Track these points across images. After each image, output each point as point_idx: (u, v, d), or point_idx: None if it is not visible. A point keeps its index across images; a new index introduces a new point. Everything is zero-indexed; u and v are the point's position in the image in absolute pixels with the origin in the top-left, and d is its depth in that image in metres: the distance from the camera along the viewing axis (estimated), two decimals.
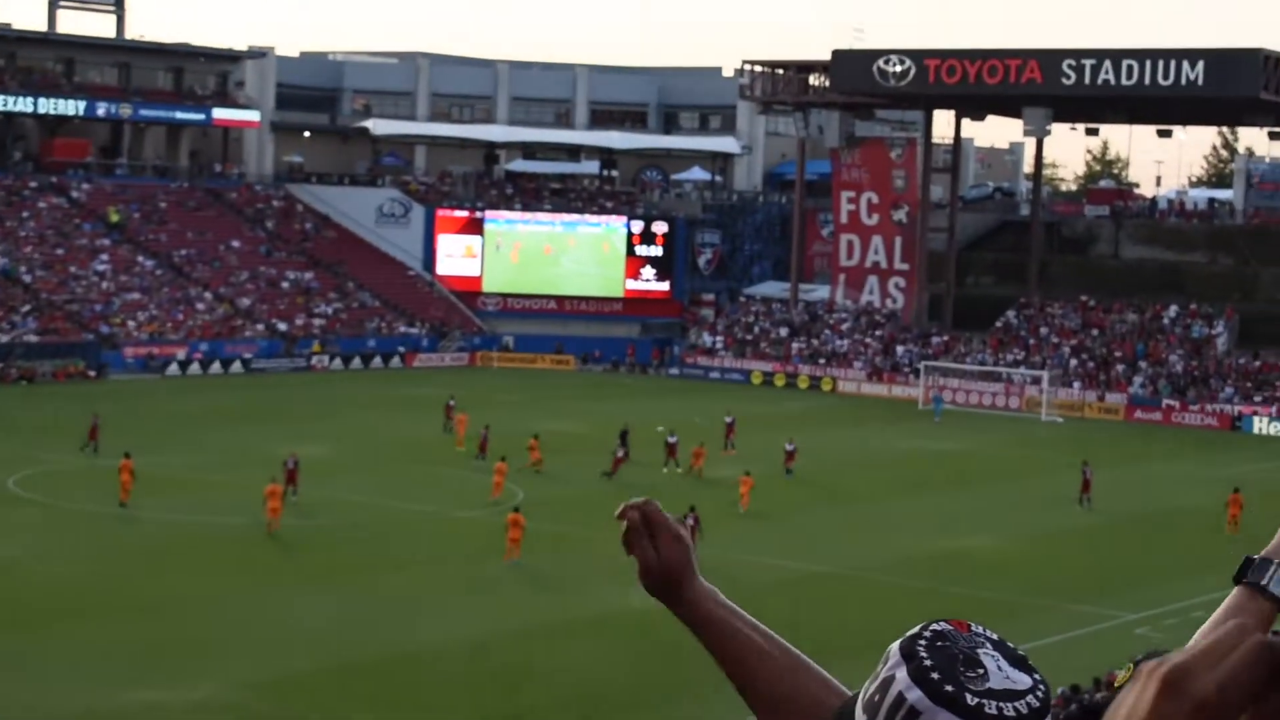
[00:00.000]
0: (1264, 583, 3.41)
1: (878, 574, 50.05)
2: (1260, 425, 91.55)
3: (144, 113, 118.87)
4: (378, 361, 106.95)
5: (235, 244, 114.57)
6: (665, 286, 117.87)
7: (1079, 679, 32.34)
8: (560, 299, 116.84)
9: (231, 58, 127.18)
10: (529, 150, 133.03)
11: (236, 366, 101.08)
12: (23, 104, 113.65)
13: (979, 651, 2.87)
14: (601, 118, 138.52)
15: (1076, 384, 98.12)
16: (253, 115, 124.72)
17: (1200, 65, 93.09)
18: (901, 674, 2.84)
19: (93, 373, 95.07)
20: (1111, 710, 2.25)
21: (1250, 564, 3.46)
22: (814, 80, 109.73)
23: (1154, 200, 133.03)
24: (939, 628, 2.92)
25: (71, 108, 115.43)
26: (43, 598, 43.64)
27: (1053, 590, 48.04)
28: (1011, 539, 56.50)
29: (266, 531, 52.13)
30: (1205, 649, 2.18)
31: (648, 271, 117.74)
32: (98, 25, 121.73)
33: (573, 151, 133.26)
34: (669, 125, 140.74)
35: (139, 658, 38.43)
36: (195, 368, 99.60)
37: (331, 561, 49.25)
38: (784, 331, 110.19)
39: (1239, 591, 3.49)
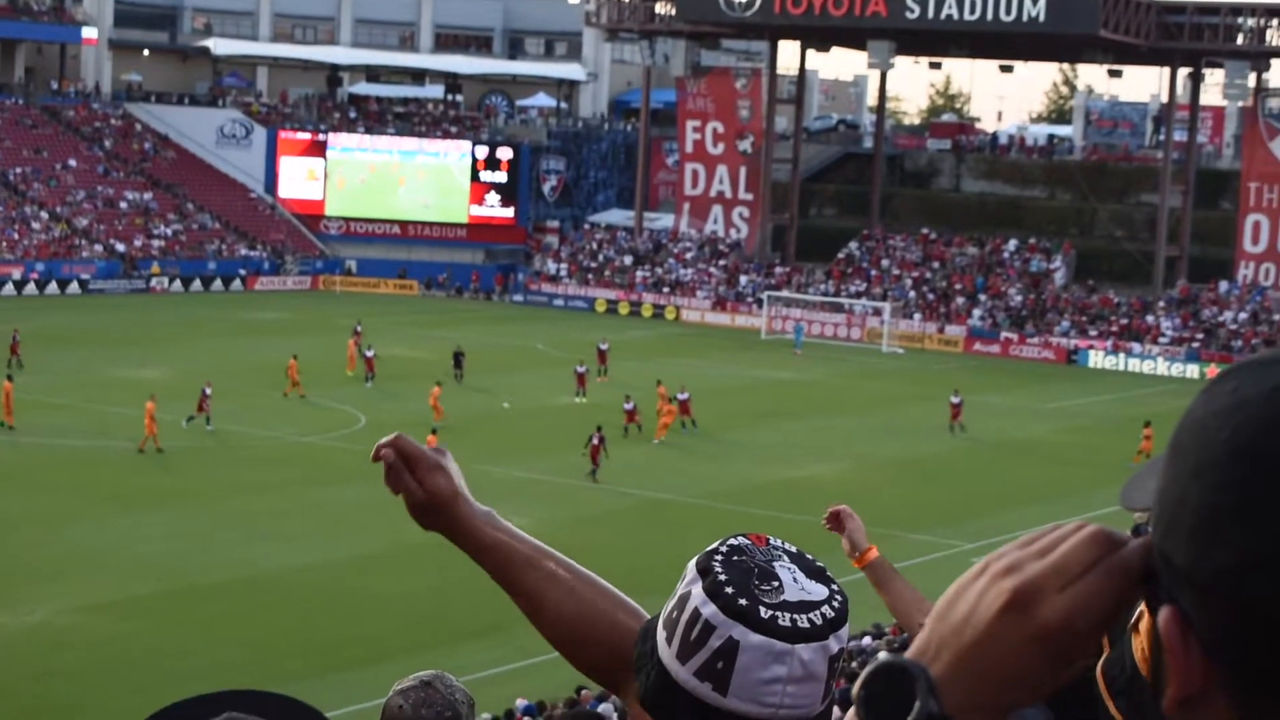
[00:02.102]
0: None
1: (719, 502, 50.36)
2: (1096, 359, 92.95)
3: None
4: (218, 284, 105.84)
5: (72, 163, 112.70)
6: (510, 213, 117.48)
7: None
8: (404, 224, 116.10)
9: None
10: (372, 73, 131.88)
11: (74, 287, 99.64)
12: None
13: (775, 565, 2.88)
14: (446, 41, 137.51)
15: (917, 316, 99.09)
16: (90, 31, 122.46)
17: (1042, 1, 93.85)
18: (697, 589, 2.85)
19: None
20: (948, 599, 1.99)
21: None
22: (660, 8, 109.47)
23: (995, 135, 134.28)
24: (735, 542, 2.94)
25: None
26: None
27: (893, 519, 48.50)
28: (852, 468, 57.07)
29: (139, 447, 52.42)
30: (1057, 564, 1.88)
31: (492, 198, 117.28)
32: None
33: (417, 75, 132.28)
34: (514, 50, 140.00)
35: None
36: (31, 288, 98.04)
37: (171, 485, 48.81)
38: (628, 260, 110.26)
39: None
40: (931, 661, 1.95)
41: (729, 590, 2.81)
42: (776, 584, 2.84)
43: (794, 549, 2.96)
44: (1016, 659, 1.91)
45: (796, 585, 2.85)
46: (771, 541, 2.96)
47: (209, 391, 58.20)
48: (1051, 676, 1.92)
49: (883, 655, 1.95)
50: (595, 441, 53.36)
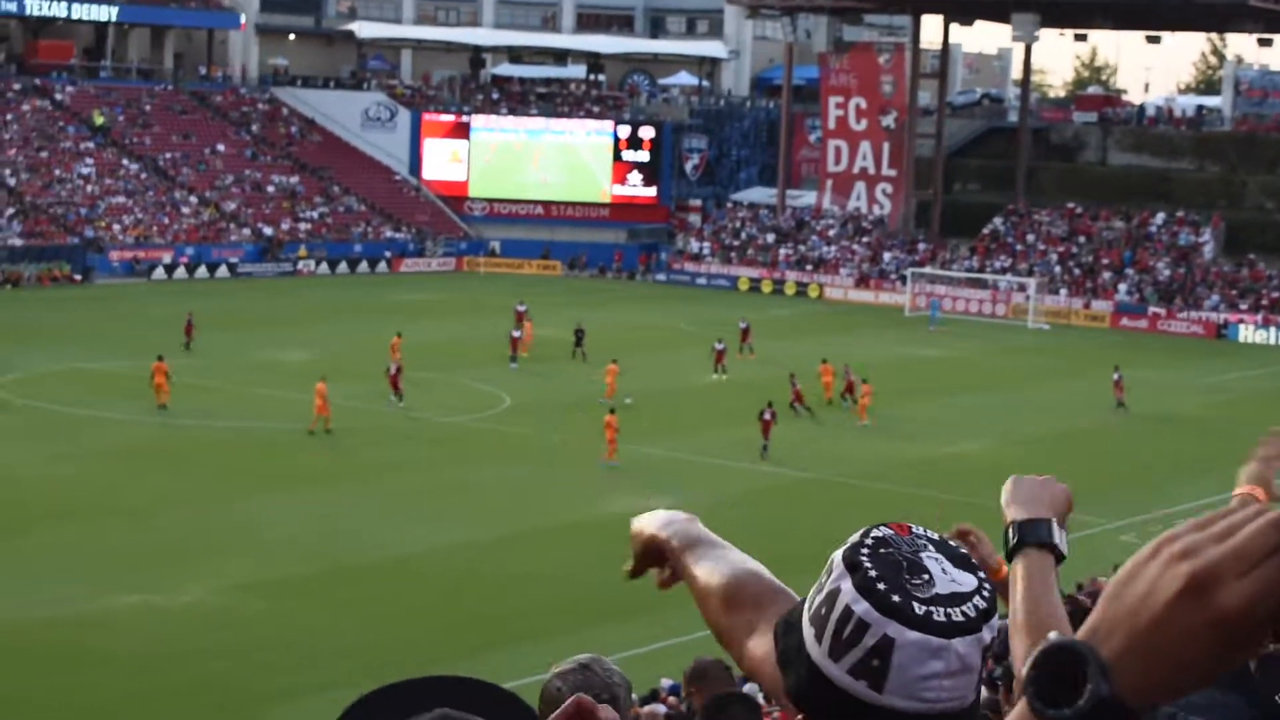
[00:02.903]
0: (1054, 541, 3.63)
1: (870, 481, 50.21)
2: (1246, 333, 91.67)
3: (129, 14, 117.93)
4: (364, 267, 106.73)
5: (220, 148, 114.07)
6: (652, 192, 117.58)
7: (1064, 585, 32.49)
8: (546, 204, 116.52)
9: None
10: (515, 54, 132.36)
11: (222, 271, 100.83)
12: (6, 5, 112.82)
13: (922, 556, 2.84)
14: (588, 21, 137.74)
15: (1063, 291, 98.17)
16: (237, 18, 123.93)
17: None
18: (847, 585, 2.80)
19: (78, 277, 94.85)
20: (1121, 580, 2.02)
21: (1030, 527, 3.65)
22: None
23: (1142, 107, 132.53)
24: (880, 533, 2.88)
25: (56, 9, 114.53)
26: (27, 501, 43.70)
27: None
28: (999, 445, 56.63)
29: (310, 428, 53.52)
30: (1238, 549, 1.86)
31: (634, 177, 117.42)
32: None
33: (559, 56, 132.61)
34: (656, 29, 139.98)
35: (127, 561, 38.55)
36: (181, 272, 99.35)
37: (320, 466, 49.34)
38: (771, 238, 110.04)
39: (1030, 555, 3.62)
40: (1103, 643, 1.94)
41: (881, 587, 2.77)
42: (927, 577, 2.80)
43: (937, 536, 2.92)
44: (1192, 644, 1.88)
45: (946, 577, 2.81)
46: (914, 530, 2.92)
47: (394, 369, 59.85)
48: (1226, 661, 1.88)
49: (1053, 636, 1.96)
50: (767, 417, 53.46)
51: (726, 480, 49.67)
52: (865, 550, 2.83)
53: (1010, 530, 3.87)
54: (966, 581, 2.82)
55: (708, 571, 3.54)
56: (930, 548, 2.86)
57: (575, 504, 45.42)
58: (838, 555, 2.88)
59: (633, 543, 3.76)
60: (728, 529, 3.82)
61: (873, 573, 2.78)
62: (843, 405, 62.55)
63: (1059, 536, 3.88)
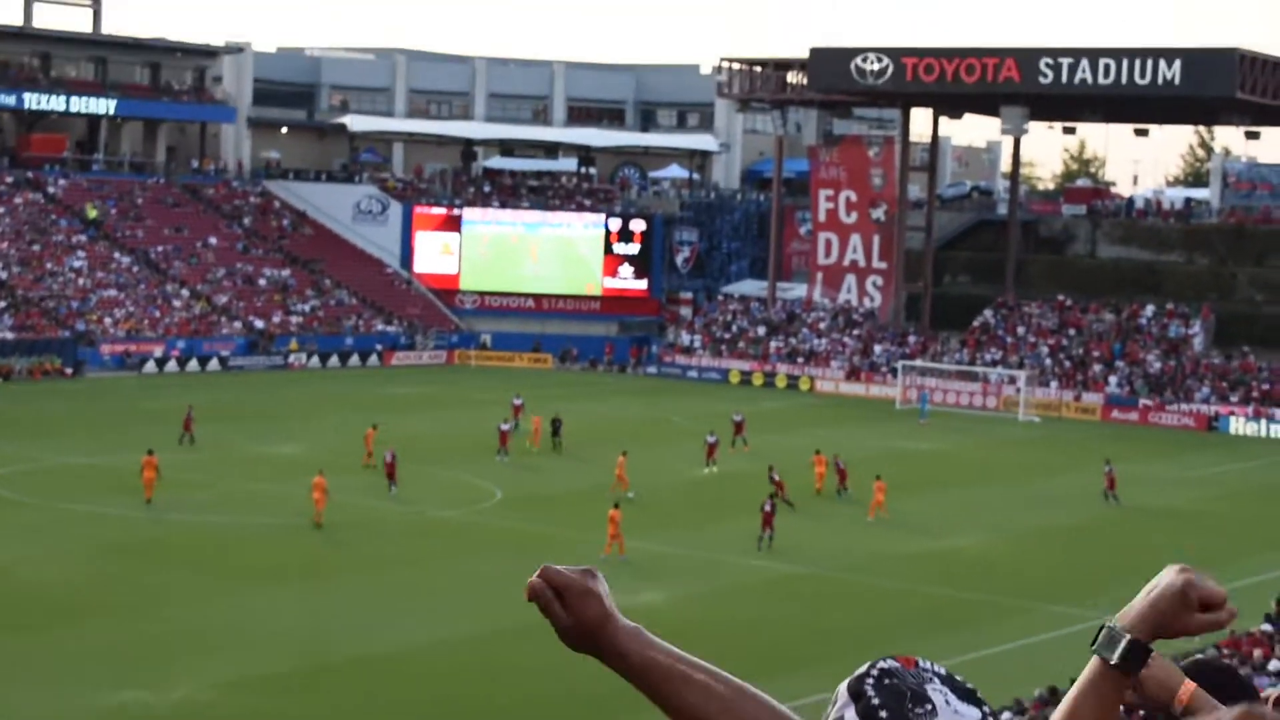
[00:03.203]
0: (1114, 660, 3.51)
1: (857, 575, 50.10)
2: (1237, 425, 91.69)
3: (125, 108, 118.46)
4: (355, 360, 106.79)
5: (212, 240, 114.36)
6: (643, 285, 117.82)
7: (1058, 681, 32.40)
8: (538, 297, 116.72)
9: (209, 53, 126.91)
10: (507, 147, 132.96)
11: (214, 364, 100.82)
12: (4, 99, 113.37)
13: (927, 687, 2.87)
14: (579, 114, 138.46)
15: (1054, 384, 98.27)
16: (230, 111, 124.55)
17: (1177, 64, 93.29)
18: (850, 714, 2.84)
19: (69, 370, 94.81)
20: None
21: (1104, 633, 3.57)
22: (792, 78, 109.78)
23: (1131, 199, 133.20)
24: (886, 665, 2.92)
25: (54, 102, 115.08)
26: (15, 599, 43.52)
27: (1032, 591, 48.14)
28: (991, 539, 56.58)
29: (315, 522, 53.38)
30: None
31: (625, 270, 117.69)
32: (74, 20, 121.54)
33: (550, 149, 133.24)
34: (647, 123, 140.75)
35: (116, 659, 38.36)
36: (172, 365, 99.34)
37: (310, 561, 49.20)
38: (762, 330, 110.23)
39: (1097, 661, 3.57)
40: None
41: (883, 715, 2.81)
42: (929, 707, 2.84)
43: (944, 670, 2.96)
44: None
45: (949, 708, 2.85)
46: (921, 663, 2.96)
47: (392, 458, 60.23)
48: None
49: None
50: (767, 509, 53.47)
51: (717, 574, 49.55)
52: (870, 680, 2.87)
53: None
54: (969, 713, 2.85)
55: (702, 688, 3.43)
56: (936, 680, 2.89)
57: None
58: (843, 685, 2.92)
59: (558, 578, 3.50)
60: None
61: (875, 701, 2.82)
62: (838, 496, 62.54)
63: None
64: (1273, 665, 30.35)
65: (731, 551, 52.45)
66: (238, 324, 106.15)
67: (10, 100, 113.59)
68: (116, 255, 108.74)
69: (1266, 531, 57.65)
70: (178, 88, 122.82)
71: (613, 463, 62.50)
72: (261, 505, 57.23)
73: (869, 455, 71.81)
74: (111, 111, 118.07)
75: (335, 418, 79.42)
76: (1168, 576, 3.56)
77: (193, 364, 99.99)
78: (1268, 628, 35.47)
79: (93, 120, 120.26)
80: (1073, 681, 3.91)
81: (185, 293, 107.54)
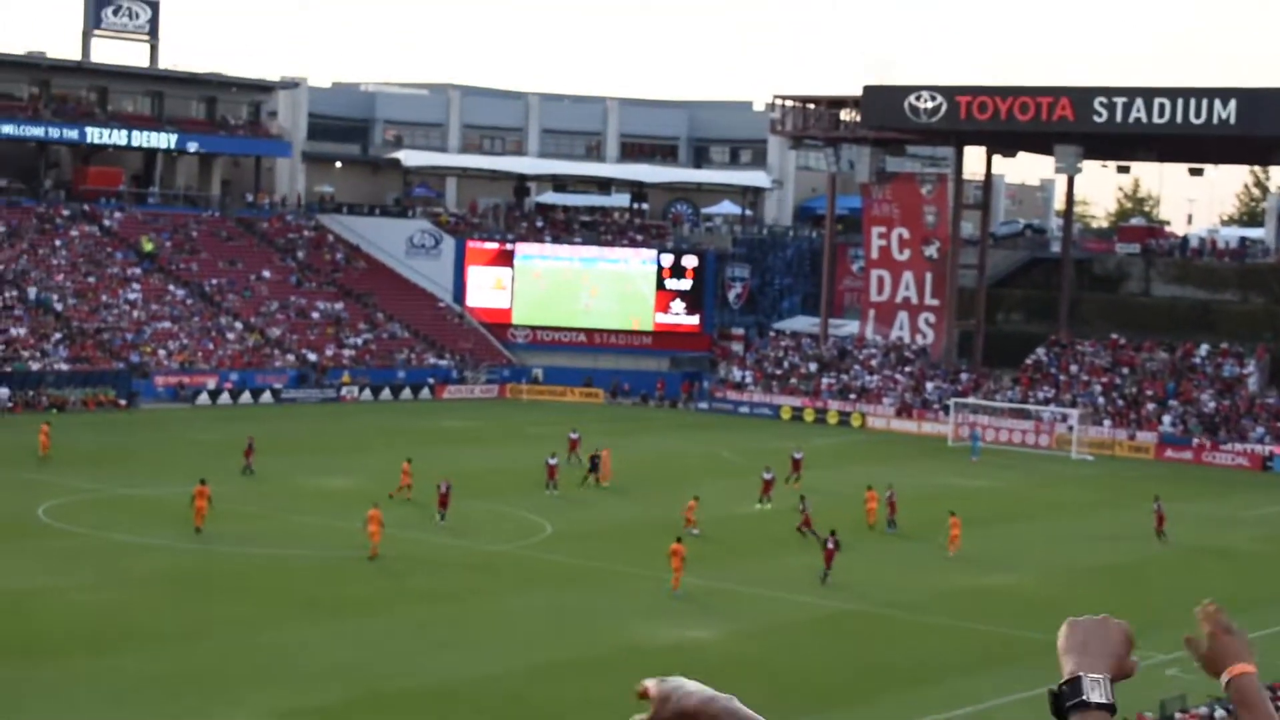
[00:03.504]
0: (1089, 699, 3.73)
1: (909, 612, 49.94)
2: None
3: (177, 142, 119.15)
4: (407, 393, 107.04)
5: (266, 274, 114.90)
6: (695, 320, 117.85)
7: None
8: (589, 332, 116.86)
9: (264, 88, 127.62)
10: (559, 182, 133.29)
11: (266, 396, 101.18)
12: (56, 133, 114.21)
13: None
14: (632, 150, 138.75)
15: (1107, 422, 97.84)
16: (285, 146, 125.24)
17: (1232, 104, 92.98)
18: None
19: (123, 401, 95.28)
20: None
21: (1064, 692, 3.79)
22: (845, 115, 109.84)
23: (1185, 238, 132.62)
24: None
25: (105, 136, 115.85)
26: (68, 628, 43.70)
27: None
28: (1044, 577, 56.35)
29: (371, 555, 53.48)
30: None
31: (677, 305, 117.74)
32: (132, 54, 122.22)
33: (603, 184, 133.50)
34: (699, 159, 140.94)
35: (167, 689, 38.47)
36: (225, 397, 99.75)
37: (361, 594, 49.26)
38: (813, 366, 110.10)
39: (1089, 716, 3.73)
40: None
41: None
42: None
43: None
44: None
45: None
46: None
47: (446, 489, 61.11)
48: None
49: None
50: (830, 546, 53.82)
51: (770, 610, 49.46)
52: None
53: (1063, 689, 3.95)
54: None
55: None
56: None
57: (618, 632, 45.23)
58: None
59: (659, 706, 3.61)
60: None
61: None
62: (888, 529, 62.54)
63: (1106, 693, 3.93)
64: None
65: (780, 588, 52.34)
66: (290, 356, 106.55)
67: (70, 134, 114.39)
68: (171, 288, 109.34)
69: None
70: (233, 122, 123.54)
71: (665, 499, 62.44)
72: (312, 537, 57.39)
73: (921, 493, 71.65)
74: (168, 145, 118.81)
75: (387, 451, 79.56)
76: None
77: (245, 396, 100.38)
78: None
79: (149, 154, 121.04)
80: None
81: (239, 325, 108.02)
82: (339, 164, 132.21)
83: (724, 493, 70.38)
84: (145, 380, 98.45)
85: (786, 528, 61.10)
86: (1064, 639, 4.00)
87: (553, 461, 70.26)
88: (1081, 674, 3.91)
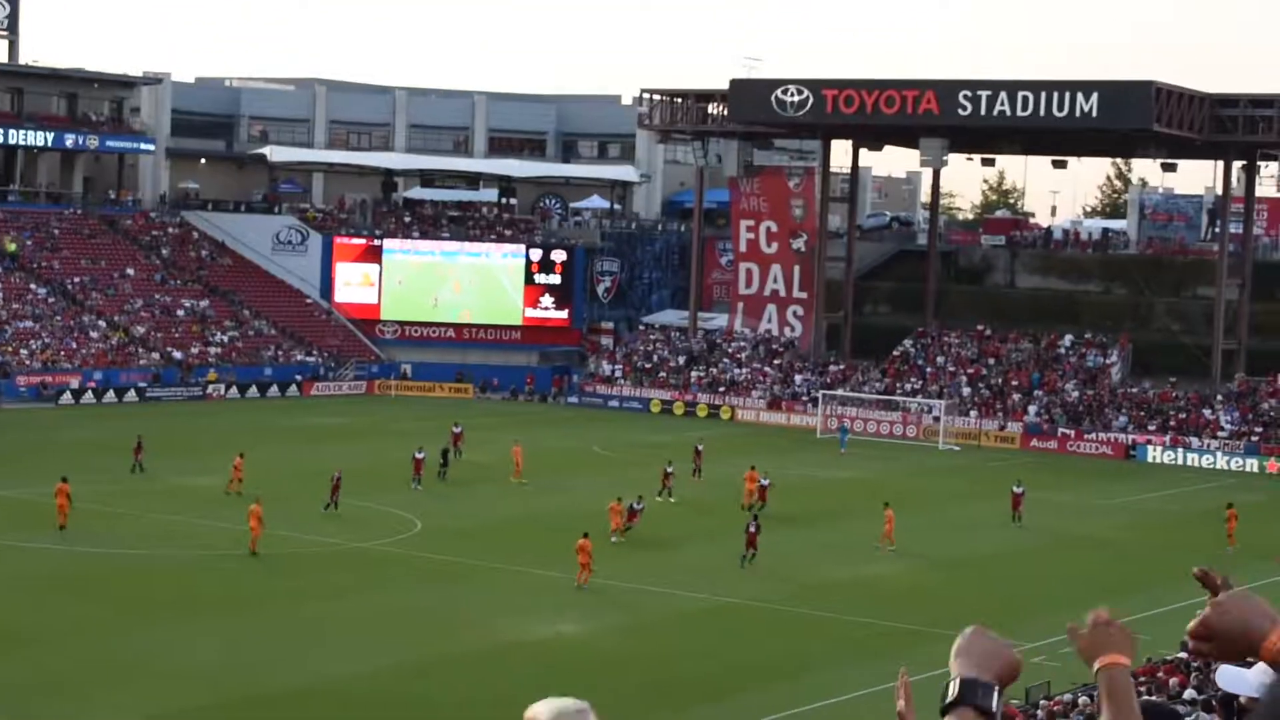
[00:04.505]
0: (992, 709, 3.79)
1: (781, 604, 50.07)
2: (1154, 454, 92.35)
3: (41, 138, 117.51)
4: (274, 390, 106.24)
5: (130, 271, 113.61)
6: (564, 315, 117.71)
7: None
8: (458, 327, 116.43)
9: (127, 84, 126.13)
10: (427, 178, 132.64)
11: (131, 395, 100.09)
12: None
13: None
14: (500, 145, 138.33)
15: (973, 413, 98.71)
16: (148, 142, 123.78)
17: (1094, 97, 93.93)
18: None
19: None
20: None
21: (972, 688, 3.82)
22: (712, 109, 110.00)
23: (1049, 230, 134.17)
24: None
25: None
26: None
27: (953, 619, 48.13)
28: (910, 568, 56.73)
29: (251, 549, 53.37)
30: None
31: (546, 300, 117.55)
32: None
33: (471, 179, 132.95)
34: (568, 153, 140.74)
35: (26, 693, 37.92)
36: (89, 396, 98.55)
37: (227, 593, 48.78)
38: (683, 360, 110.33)
39: (965, 716, 3.75)
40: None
41: None
42: None
43: None
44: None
45: None
46: None
47: (337, 479, 61.42)
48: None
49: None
50: (752, 529, 55.64)
51: (644, 605, 49.45)
52: None
53: (954, 685, 3.95)
54: None
55: None
56: None
57: (489, 629, 45.06)
58: None
59: None
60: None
61: None
62: (748, 510, 63.19)
63: (996, 705, 3.95)
64: (1188, 693, 30.47)
65: (655, 581, 52.31)
66: (155, 354, 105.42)
67: None
68: (33, 286, 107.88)
69: (1181, 559, 57.81)
70: (95, 118, 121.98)
71: (535, 494, 62.21)
72: (181, 537, 56.78)
73: (791, 484, 71.93)
74: (28, 142, 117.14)
75: (254, 449, 78.82)
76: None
77: (109, 395, 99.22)
78: (1184, 655, 35.57)
79: (9, 151, 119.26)
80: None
81: (102, 323, 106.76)
82: (203, 160, 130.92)
83: (595, 487, 70.22)
84: (7, 380, 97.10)
85: (665, 521, 61.07)
86: (961, 646, 4.05)
87: (420, 456, 70.00)
88: (982, 680, 3.97)
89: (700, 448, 76.48)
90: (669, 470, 69.07)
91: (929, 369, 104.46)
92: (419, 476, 69.11)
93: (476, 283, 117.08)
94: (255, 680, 39.60)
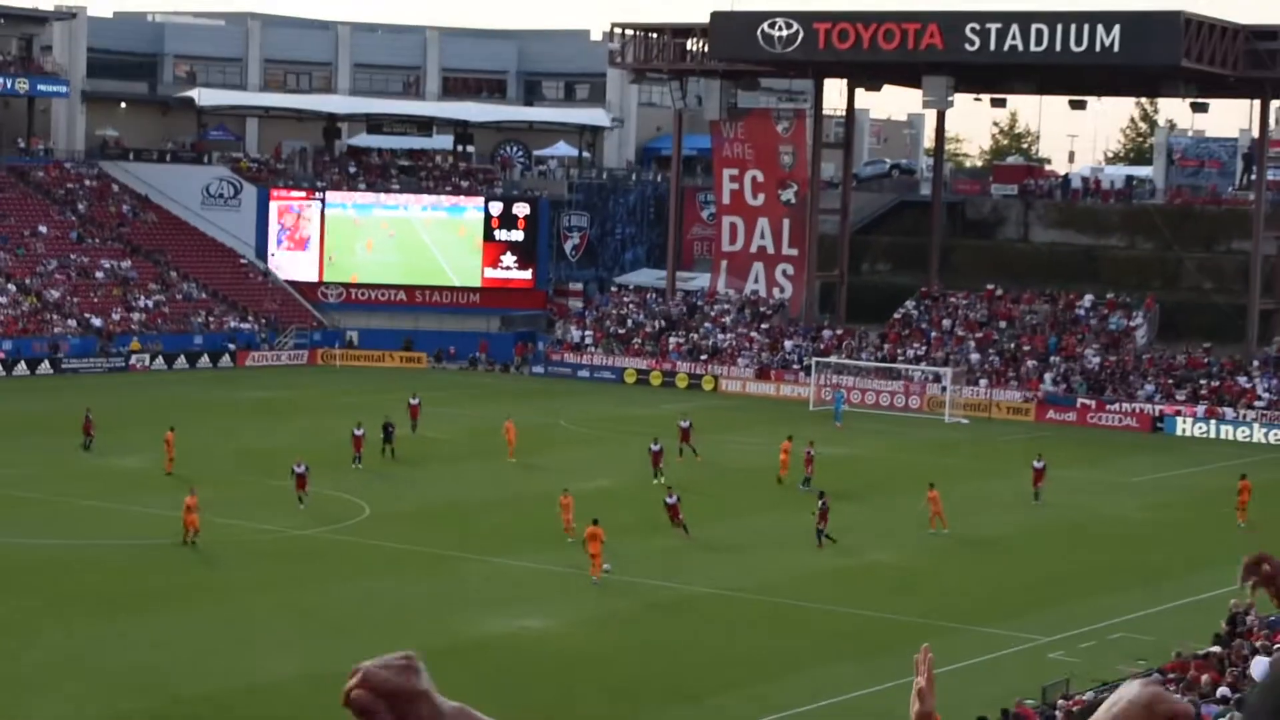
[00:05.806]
0: None
1: (773, 595, 50.24)
2: (1184, 426, 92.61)
3: None
4: (205, 361, 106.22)
5: (42, 229, 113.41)
6: (528, 275, 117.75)
7: (987, 710, 32.67)
8: (410, 289, 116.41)
9: (37, 19, 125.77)
10: (374, 123, 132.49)
11: (45, 367, 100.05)
12: None
13: None
14: (455, 86, 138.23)
15: (983, 382, 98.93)
16: (62, 84, 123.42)
17: (1116, 30, 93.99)
18: None
19: None
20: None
21: None
22: (692, 45, 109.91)
23: (1066, 178, 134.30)
24: None
25: None
26: None
27: (960, 611, 48.43)
28: (915, 555, 56.93)
29: (185, 540, 52.23)
30: None
31: (508, 258, 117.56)
32: None
33: (423, 125, 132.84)
34: (530, 95, 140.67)
35: None
36: None
37: (158, 587, 48.85)
38: (660, 325, 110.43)
39: None
40: None
41: None
42: None
43: None
44: None
45: None
46: None
47: (300, 470, 60.78)
48: None
49: None
50: (655, 449, 64.34)
51: (618, 595, 49.60)
52: None
53: None
54: None
55: None
56: None
57: (443, 623, 45.17)
58: None
59: (385, 685, 3.87)
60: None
61: None
62: (800, 489, 64.67)
63: None
64: (1221, 691, 30.66)
65: (633, 572, 52.42)
66: (72, 321, 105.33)
67: None
68: None
69: (1214, 543, 58.17)
70: (2, 58, 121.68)
71: (493, 475, 62.31)
72: (106, 524, 56.80)
73: (780, 462, 72.05)
74: None
75: (184, 426, 78.83)
76: (1131, 691, 3.71)
77: (20, 367, 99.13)
78: (1216, 649, 35.75)
79: None
80: (1004, 711, 4.13)
81: (12, 287, 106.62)
82: (124, 105, 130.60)
83: (569, 466, 70.29)
84: None
85: (640, 504, 61.18)
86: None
87: (359, 433, 70.02)
88: None
89: (684, 424, 75.53)
90: (655, 449, 68.80)
91: (933, 333, 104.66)
92: (359, 455, 69.25)
93: (431, 240, 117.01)
94: (187, 682, 39.67)
